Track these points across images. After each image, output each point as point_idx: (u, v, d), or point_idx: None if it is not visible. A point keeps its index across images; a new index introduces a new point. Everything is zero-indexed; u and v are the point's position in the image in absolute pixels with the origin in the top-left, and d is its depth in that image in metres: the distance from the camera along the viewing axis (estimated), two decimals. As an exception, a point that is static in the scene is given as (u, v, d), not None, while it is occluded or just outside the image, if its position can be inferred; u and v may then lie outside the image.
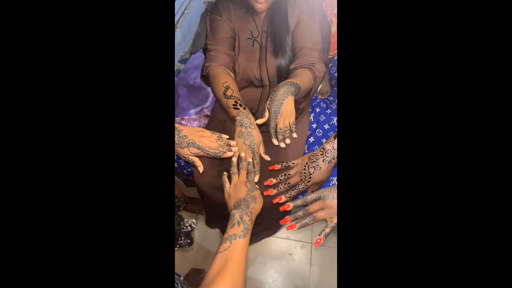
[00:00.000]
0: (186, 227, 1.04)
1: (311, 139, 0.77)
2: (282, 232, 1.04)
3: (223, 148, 0.60)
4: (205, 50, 0.71)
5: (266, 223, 0.92)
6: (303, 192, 0.73)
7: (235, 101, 0.61)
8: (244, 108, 0.61)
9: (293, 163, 0.59)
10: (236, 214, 0.49)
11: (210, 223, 0.98)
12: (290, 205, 0.53)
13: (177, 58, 1.33)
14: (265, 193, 0.57)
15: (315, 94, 0.93)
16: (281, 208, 0.54)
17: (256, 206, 0.53)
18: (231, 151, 0.59)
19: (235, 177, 0.56)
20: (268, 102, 0.59)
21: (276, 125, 0.59)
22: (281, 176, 0.58)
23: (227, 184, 0.57)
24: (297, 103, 0.70)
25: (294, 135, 0.58)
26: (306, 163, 0.57)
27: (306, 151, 0.75)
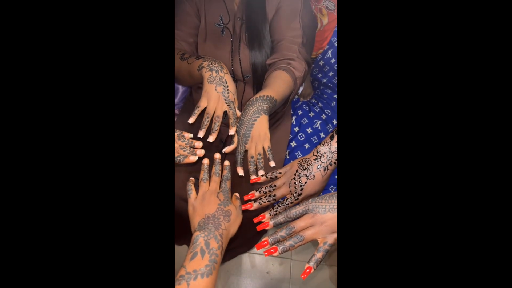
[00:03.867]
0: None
1: (293, 144, 0.69)
2: (259, 247, 0.95)
3: (184, 151, 0.46)
4: None
5: (242, 238, 0.81)
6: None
7: (198, 56, 0.52)
8: (210, 57, 0.52)
9: (280, 173, 0.48)
10: (200, 238, 0.37)
11: (176, 239, 0.85)
12: (270, 223, 0.42)
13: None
14: (243, 207, 0.46)
15: (296, 96, 0.86)
16: (258, 228, 0.43)
17: (230, 226, 0.41)
18: (195, 154, 0.46)
19: (204, 185, 0.45)
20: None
21: (246, 151, 0.49)
22: (265, 187, 0.47)
23: (192, 193, 0.44)
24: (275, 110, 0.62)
25: (272, 163, 0.48)
26: (296, 170, 0.45)
27: (288, 157, 0.67)
